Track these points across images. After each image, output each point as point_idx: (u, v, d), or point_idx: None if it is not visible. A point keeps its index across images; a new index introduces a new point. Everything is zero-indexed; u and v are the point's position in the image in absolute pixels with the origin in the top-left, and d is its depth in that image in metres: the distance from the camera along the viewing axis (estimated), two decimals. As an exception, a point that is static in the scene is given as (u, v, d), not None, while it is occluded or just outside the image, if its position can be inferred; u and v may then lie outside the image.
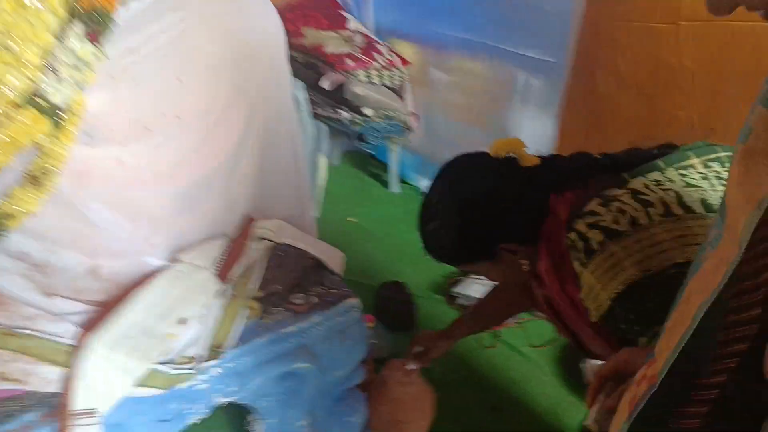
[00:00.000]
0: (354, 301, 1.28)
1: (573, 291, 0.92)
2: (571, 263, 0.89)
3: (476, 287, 2.14)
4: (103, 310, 0.97)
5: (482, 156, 1.03)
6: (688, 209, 0.83)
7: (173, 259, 1.12)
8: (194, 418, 1.12)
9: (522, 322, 2.02)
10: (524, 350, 1.94)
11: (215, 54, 1.08)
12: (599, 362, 1.67)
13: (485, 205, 0.97)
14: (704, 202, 0.85)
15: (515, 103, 2.32)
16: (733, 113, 1.45)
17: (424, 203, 1.05)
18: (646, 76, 1.70)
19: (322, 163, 2.74)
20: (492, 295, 1.41)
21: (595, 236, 0.84)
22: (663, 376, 0.60)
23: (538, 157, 1.00)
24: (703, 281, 0.59)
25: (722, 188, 0.89)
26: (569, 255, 0.89)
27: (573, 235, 0.87)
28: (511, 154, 0.99)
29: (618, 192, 0.87)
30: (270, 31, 1.22)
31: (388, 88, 2.72)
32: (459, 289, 2.16)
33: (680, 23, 1.52)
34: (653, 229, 0.81)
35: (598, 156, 1.02)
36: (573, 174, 0.98)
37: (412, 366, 1.47)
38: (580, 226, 0.87)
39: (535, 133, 2.26)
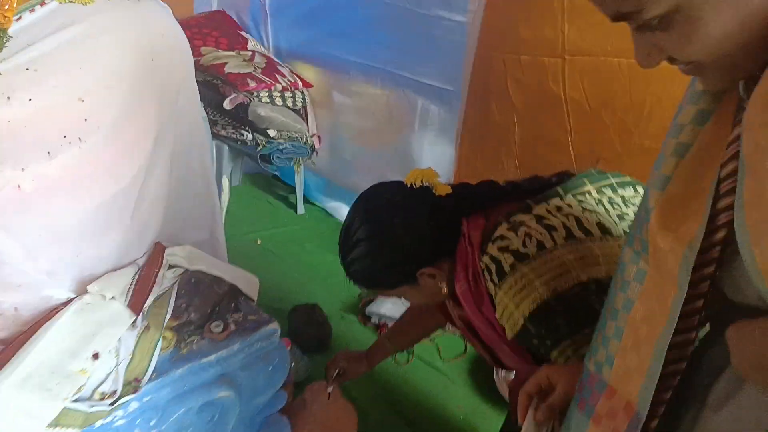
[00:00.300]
0: (274, 327, 1.27)
1: (489, 311, 0.98)
2: (485, 285, 0.96)
3: (389, 306, 2.20)
4: (5, 349, 0.88)
5: (398, 185, 1.07)
6: (587, 232, 0.93)
7: (80, 291, 1.04)
8: (111, 459, 1.04)
9: (434, 338, 2.10)
10: (437, 364, 2.01)
11: (119, 70, 1.02)
12: (511, 373, 1.79)
13: (403, 233, 1.01)
14: (600, 225, 0.95)
15: (416, 129, 2.42)
16: (615, 142, 1.63)
17: (344, 232, 1.07)
18: (535, 106, 1.86)
19: (225, 184, 2.68)
20: (409, 316, 1.46)
21: (506, 259, 0.91)
22: (647, 406, 0.65)
23: (450, 185, 1.07)
24: (646, 316, 0.65)
25: (615, 212, 1.00)
26: (483, 277, 0.96)
27: (486, 259, 0.94)
28: (425, 183, 1.05)
29: (524, 217, 0.96)
30: (177, 48, 1.18)
31: (291, 109, 2.72)
32: (372, 309, 2.20)
33: (565, 57, 1.68)
34: (558, 251, 0.90)
35: (503, 183, 1.10)
36: (481, 200, 1.06)
37: (333, 386, 1.47)
38: (492, 249, 0.94)
39: (434, 158, 2.38)
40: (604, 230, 0.94)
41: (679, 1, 0.47)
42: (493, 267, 0.93)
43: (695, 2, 0.47)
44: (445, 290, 1.06)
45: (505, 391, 1.81)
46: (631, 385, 0.67)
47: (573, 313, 0.87)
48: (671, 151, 0.63)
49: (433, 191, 1.04)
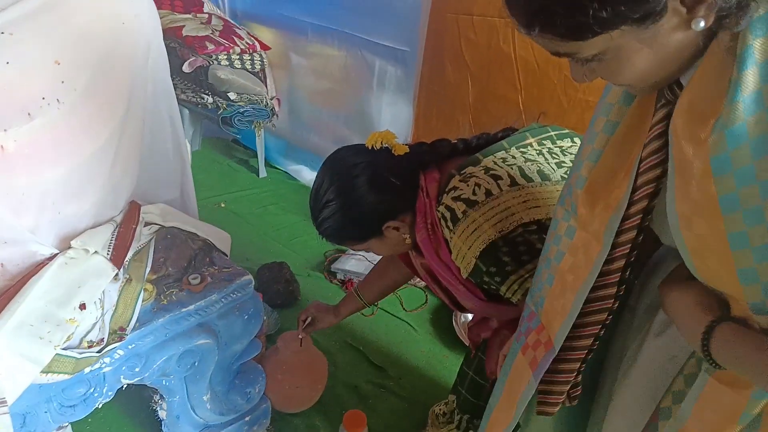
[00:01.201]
0: (248, 278, 1.34)
1: (446, 255, 1.10)
2: (442, 231, 1.07)
3: (353, 262, 2.29)
4: (-3, 300, 0.93)
5: (360, 147, 1.16)
6: (528, 179, 1.05)
7: (63, 247, 1.09)
8: (100, 402, 1.11)
9: (397, 290, 2.21)
10: (401, 315, 2.14)
11: (93, 32, 1.05)
12: (469, 318, 1.93)
13: (367, 191, 1.11)
14: (540, 173, 1.07)
15: (374, 89, 2.48)
16: (561, 98, 1.74)
17: (314, 194, 1.16)
18: (487, 65, 1.95)
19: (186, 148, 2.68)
20: (377, 271, 1.56)
21: (458, 207, 1.02)
22: (561, 342, 0.77)
23: (407, 145, 1.16)
24: (573, 266, 0.76)
25: (553, 161, 1.12)
26: (440, 225, 1.07)
27: (442, 208, 1.05)
28: (385, 145, 1.14)
29: (474, 169, 1.07)
30: (146, 11, 1.20)
31: (250, 72, 2.73)
32: (337, 265, 2.29)
33: (514, 18, 1.76)
34: (503, 197, 1.02)
35: (455, 141, 1.20)
36: (436, 157, 1.16)
37: (304, 335, 1.57)
38: (447, 200, 1.05)
39: (393, 117, 2.45)
40: (544, 177, 1.06)
41: (608, 46, 0.55)
42: (448, 215, 1.04)
43: (621, 47, 0.55)
44: (408, 240, 1.16)
45: (463, 336, 1.96)
46: (554, 323, 0.79)
47: (516, 251, 0.99)
48: (601, 128, 0.72)
49: (392, 151, 1.14)
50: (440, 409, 1.59)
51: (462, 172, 1.07)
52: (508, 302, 1.04)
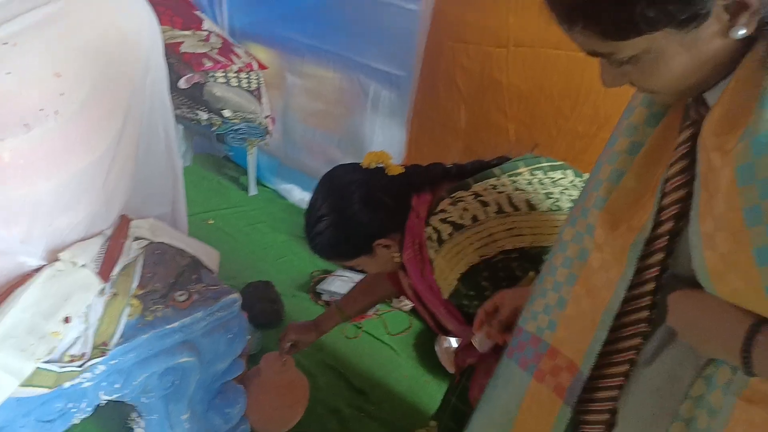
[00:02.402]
0: (234, 297, 1.34)
1: (429, 275, 1.11)
2: (428, 252, 1.09)
3: (339, 283, 2.29)
4: (-19, 311, 0.92)
5: (356, 166, 1.19)
6: (515, 208, 1.08)
7: (52, 259, 1.08)
8: (78, 418, 1.10)
9: (381, 314, 2.22)
10: (384, 338, 2.13)
11: (94, 47, 1.07)
12: (453, 345, 1.93)
13: (361, 208, 1.13)
14: (528, 202, 1.09)
15: (367, 112, 2.50)
16: (551, 127, 1.77)
17: (310, 210, 1.18)
18: (480, 93, 1.98)
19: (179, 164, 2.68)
20: (359, 287, 1.57)
21: (445, 229, 1.04)
22: (589, 367, 0.74)
23: (402, 166, 1.19)
24: (590, 289, 0.74)
25: (543, 191, 1.14)
26: (426, 245, 1.08)
27: (429, 229, 1.07)
28: (380, 164, 1.16)
29: (464, 194, 1.09)
30: (149, 28, 1.22)
31: (246, 90, 2.75)
32: (323, 286, 2.29)
33: (510, 47, 1.80)
34: (489, 223, 1.04)
35: (449, 165, 1.23)
36: (429, 180, 1.18)
37: (286, 357, 1.56)
38: (434, 221, 1.07)
39: (386, 140, 2.47)
40: (531, 206, 1.08)
41: (648, 46, 0.56)
42: (434, 236, 1.06)
43: (660, 49, 0.56)
44: (397, 259, 1.18)
45: (445, 362, 1.95)
46: (576, 347, 0.76)
47: (496, 276, 1.01)
48: (625, 148, 0.71)
49: (387, 171, 1.16)
50: (421, 435, 1.58)
51: (452, 195, 1.09)
52: None
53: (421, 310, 1.29)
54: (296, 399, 1.58)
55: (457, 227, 1.04)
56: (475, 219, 1.03)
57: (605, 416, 0.77)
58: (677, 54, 0.56)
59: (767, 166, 0.51)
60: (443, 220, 1.06)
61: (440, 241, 1.05)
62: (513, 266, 1.01)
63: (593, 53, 0.60)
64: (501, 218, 1.04)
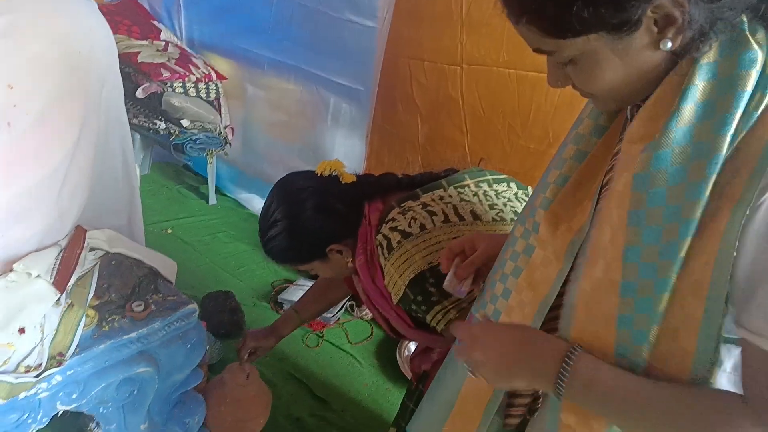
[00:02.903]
0: (192, 307, 1.34)
1: (380, 282, 1.16)
2: (378, 259, 1.13)
3: (300, 293, 2.30)
4: (-68, 324, 0.91)
5: (310, 174, 1.22)
6: (461, 217, 1.13)
7: (5, 270, 1.08)
8: (34, 428, 1.09)
9: (342, 323, 2.24)
10: (346, 347, 2.16)
11: (48, 59, 1.07)
12: (411, 351, 1.95)
13: (314, 214, 1.16)
14: (473, 213, 1.15)
15: (328, 124, 2.54)
16: (504, 142, 1.85)
17: (263, 215, 1.21)
18: (437, 108, 2.04)
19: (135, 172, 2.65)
20: (314, 290, 1.60)
21: (394, 237, 1.09)
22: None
23: (355, 175, 1.23)
24: (532, 282, 0.79)
25: (487, 202, 1.20)
26: (376, 252, 1.13)
27: (380, 237, 1.12)
28: (333, 173, 1.20)
29: (413, 204, 1.14)
30: (104, 42, 1.23)
31: (205, 101, 2.75)
32: (284, 296, 2.30)
33: (463, 66, 1.87)
34: (435, 231, 1.09)
35: (400, 176, 1.28)
36: (381, 189, 1.23)
37: (250, 369, 1.57)
38: (385, 229, 1.11)
39: (346, 152, 2.51)
40: (476, 216, 1.14)
41: (585, 49, 0.60)
42: (384, 243, 1.10)
43: (595, 53, 0.60)
44: (351, 264, 1.22)
45: (406, 370, 2.00)
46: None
47: (441, 282, 1.05)
48: (571, 155, 0.77)
49: (340, 180, 1.20)
50: (381, 442, 1.62)
51: (402, 205, 1.14)
52: (434, 330, 1.10)
53: (375, 313, 1.33)
54: (258, 411, 1.59)
55: (406, 235, 1.08)
56: (422, 227, 1.08)
57: (528, 400, 0.83)
58: (610, 60, 0.60)
59: (661, 179, 0.57)
60: (393, 228, 1.10)
61: (389, 249, 1.09)
62: None
63: (538, 50, 0.65)
64: (447, 227, 1.10)
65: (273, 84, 2.72)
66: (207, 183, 3.04)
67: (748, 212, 0.53)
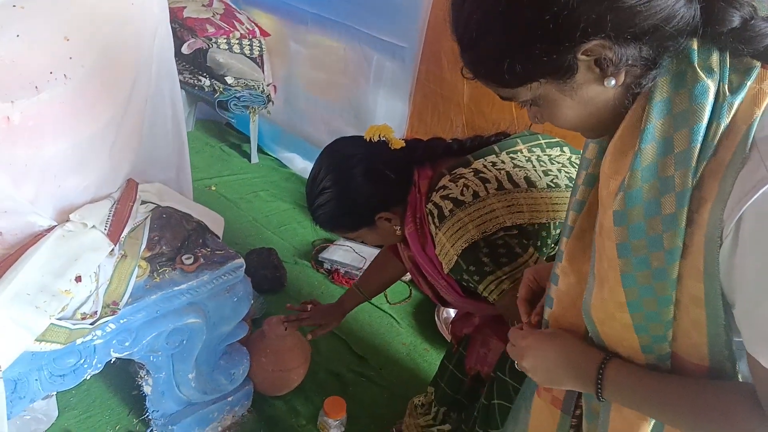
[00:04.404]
0: (240, 262, 1.37)
1: (430, 250, 1.14)
2: (429, 227, 1.10)
3: (341, 253, 2.32)
4: (-5, 269, 0.95)
5: (358, 139, 1.19)
6: (515, 184, 1.09)
7: (61, 219, 1.11)
8: (89, 373, 1.14)
9: (382, 282, 2.25)
10: (384, 307, 2.17)
11: (102, 11, 1.07)
12: (452, 315, 1.95)
13: (363, 181, 1.14)
14: (527, 179, 1.11)
15: (370, 82, 2.50)
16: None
17: (310, 181, 1.19)
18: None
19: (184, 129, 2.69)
20: (374, 265, 1.60)
21: (446, 205, 1.06)
22: None
23: (404, 140, 1.20)
24: (569, 289, 0.79)
25: (540, 168, 1.15)
26: (427, 221, 1.10)
27: (430, 205, 1.09)
28: (382, 138, 1.17)
29: (464, 171, 1.10)
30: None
31: (248, 57, 2.74)
32: (325, 255, 2.32)
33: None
34: (489, 200, 1.05)
35: (449, 140, 1.24)
36: (430, 155, 1.19)
37: (288, 321, 1.60)
38: (436, 197, 1.08)
39: (388, 112, 2.48)
40: (530, 183, 1.10)
41: (537, 94, 0.62)
42: (435, 211, 1.07)
43: (546, 96, 0.62)
44: (399, 232, 1.20)
45: (444, 331, 2.00)
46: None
47: (496, 252, 1.03)
48: (582, 180, 0.76)
49: (389, 145, 1.17)
50: (419, 401, 1.63)
51: (453, 172, 1.11)
52: (485, 300, 1.08)
53: (420, 281, 1.32)
54: (298, 362, 1.63)
55: (458, 204, 1.05)
56: (476, 195, 1.05)
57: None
58: (563, 100, 0.62)
59: (638, 214, 0.59)
60: (444, 197, 1.07)
61: (441, 217, 1.06)
62: (512, 243, 1.02)
63: (500, 96, 0.67)
64: (501, 195, 1.06)
65: (316, 41, 2.68)
66: (249, 141, 3.05)
67: (720, 242, 0.54)
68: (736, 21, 0.54)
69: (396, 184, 1.16)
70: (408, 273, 1.38)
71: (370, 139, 1.17)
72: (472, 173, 1.09)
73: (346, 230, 1.23)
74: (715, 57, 0.56)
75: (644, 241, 0.59)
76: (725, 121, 0.54)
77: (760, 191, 0.51)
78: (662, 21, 0.53)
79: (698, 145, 0.55)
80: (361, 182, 1.14)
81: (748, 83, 0.54)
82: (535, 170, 1.14)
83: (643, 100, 0.59)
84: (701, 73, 0.55)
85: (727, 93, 0.54)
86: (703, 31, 0.55)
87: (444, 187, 1.08)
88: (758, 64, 0.55)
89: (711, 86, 0.54)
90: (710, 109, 0.54)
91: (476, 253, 1.03)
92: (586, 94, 0.60)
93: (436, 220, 1.07)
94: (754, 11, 0.55)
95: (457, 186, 1.07)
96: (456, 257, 1.05)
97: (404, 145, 1.18)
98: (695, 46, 0.56)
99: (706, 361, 0.62)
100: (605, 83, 0.58)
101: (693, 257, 0.57)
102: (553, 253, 1.10)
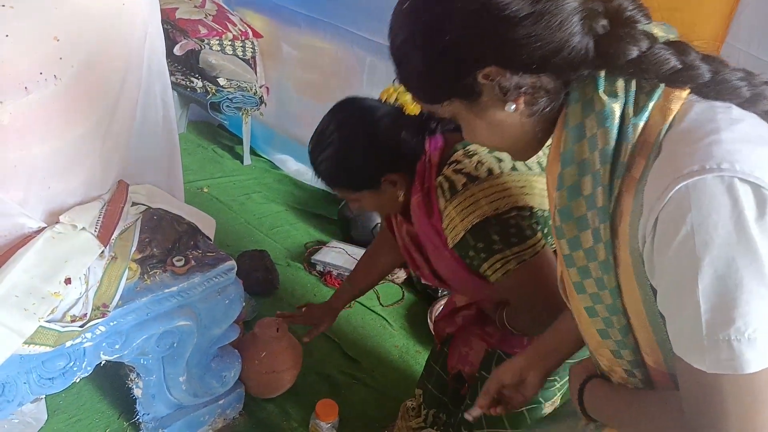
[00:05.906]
0: (231, 263, 1.36)
1: (437, 221, 1.11)
2: (437, 199, 1.09)
3: (333, 254, 2.32)
4: (-17, 271, 0.94)
5: (372, 99, 1.14)
6: (528, 167, 1.08)
7: (51, 221, 1.10)
8: (79, 376, 1.13)
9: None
10: (377, 309, 2.17)
11: (92, 11, 1.06)
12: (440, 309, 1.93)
13: (372, 141, 1.10)
14: (540, 164, 1.10)
15: (363, 84, 2.49)
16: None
17: (318, 133, 1.14)
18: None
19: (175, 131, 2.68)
20: (364, 260, 1.58)
21: (459, 179, 1.04)
22: None
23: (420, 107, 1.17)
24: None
25: None
26: (436, 193, 1.09)
27: (441, 178, 1.06)
28: (397, 103, 1.14)
29: (478, 147, 1.09)
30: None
31: (241, 59, 2.73)
32: (317, 257, 2.31)
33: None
34: (504, 177, 1.04)
35: None
36: (444, 126, 1.17)
37: (280, 323, 1.59)
38: (448, 171, 1.06)
39: (381, 113, 2.47)
40: (543, 168, 1.09)
41: (451, 112, 0.67)
42: (446, 185, 1.05)
43: (458, 115, 0.67)
44: (401, 199, 1.17)
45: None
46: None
47: (507, 232, 1.01)
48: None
49: (404, 110, 1.14)
50: (411, 404, 1.63)
51: (466, 147, 1.09)
52: (484, 278, 1.07)
53: (416, 258, 1.28)
54: (290, 364, 1.62)
55: (473, 179, 1.03)
56: (490, 172, 1.03)
57: None
58: (473, 120, 0.66)
59: (570, 229, 0.64)
60: (457, 171, 1.04)
61: (453, 191, 1.04)
62: (523, 225, 1.01)
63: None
64: (516, 175, 1.04)
65: (308, 42, 2.68)
66: (242, 143, 3.04)
67: (644, 255, 0.57)
68: (633, 53, 0.57)
69: (407, 148, 1.13)
70: (395, 273, 1.36)
71: (386, 100, 1.14)
72: (487, 150, 1.08)
73: (349, 189, 1.18)
74: (620, 83, 0.59)
75: (581, 253, 0.64)
76: (632, 140, 0.57)
77: (668, 197, 0.52)
78: (551, 53, 0.57)
79: (608, 165, 0.58)
80: (370, 142, 1.09)
81: (651, 104, 0.57)
82: (547, 156, 1.13)
83: (561, 125, 0.63)
84: (606, 99, 0.58)
85: (632, 115, 0.58)
86: (604, 62, 0.59)
87: (457, 162, 1.06)
88: (662, 84, 0.58)
89: (616, 110, 0.58)
90: (617, 131, 0.58)
91: (486, 230, 1.01)
92: (494, 116, 0.64)
93: (447, 193, 1.05)
94: (653, 40, 0.58)
95: (471, 161, 1.05)
96: (464, 232, 1.02)
97: (418, 112, 1.15)
98: (602, 74, 0.59)
99: (664, 367, 0.64)
100: (506, 108, 0.62)
101: (624, 268, 0.60)
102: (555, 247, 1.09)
